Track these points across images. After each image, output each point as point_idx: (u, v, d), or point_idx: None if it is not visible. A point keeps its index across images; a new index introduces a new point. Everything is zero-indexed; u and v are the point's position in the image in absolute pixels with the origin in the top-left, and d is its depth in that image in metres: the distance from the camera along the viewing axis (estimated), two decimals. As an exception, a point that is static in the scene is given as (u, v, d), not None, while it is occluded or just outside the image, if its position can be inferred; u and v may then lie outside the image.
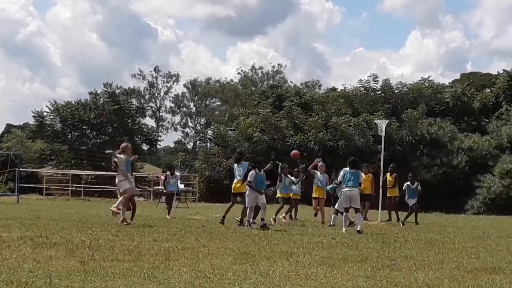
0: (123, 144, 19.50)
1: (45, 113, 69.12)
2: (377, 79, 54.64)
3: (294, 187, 24.10)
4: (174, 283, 8.13)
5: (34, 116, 69.53)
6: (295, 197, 24.18)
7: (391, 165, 26.19)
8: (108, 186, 53.88)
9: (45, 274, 8.45)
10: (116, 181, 18.98)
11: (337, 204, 21.41)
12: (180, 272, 9.13)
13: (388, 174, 25.57)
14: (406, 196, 23.88)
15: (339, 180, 20.26)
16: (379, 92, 54.74)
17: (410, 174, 24.50)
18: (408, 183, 23.80)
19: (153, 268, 9.38)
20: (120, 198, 18.87)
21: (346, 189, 18.71)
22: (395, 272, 9.91)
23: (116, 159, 18.51)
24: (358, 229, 18.01)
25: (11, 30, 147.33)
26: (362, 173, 21.11)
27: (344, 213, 19.15)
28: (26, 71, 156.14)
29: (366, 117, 49.16)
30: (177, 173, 26.80)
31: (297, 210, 24.59)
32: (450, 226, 22.58)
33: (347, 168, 18.88)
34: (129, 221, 18.47)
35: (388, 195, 25.35)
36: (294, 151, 25.32)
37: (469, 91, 55.71)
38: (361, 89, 55.06)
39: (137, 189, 34.39)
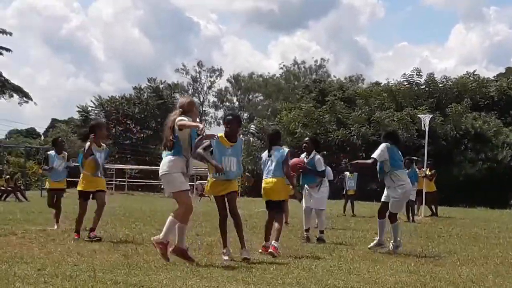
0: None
1: (89, 108, 69.99)
2: (421, 73, 54.44)
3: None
4: (216, 277, 8.14)
5: (79, 111, 70.48)
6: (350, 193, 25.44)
7: (428, 160, 26.15)
8: (151, 180, 54.24)
9: (89, 268, 8.53)
10: None
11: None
12: (222, 267, 9.17)
13: (428, 169, 25.86)
14: None
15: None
16: (423, 86, 54.41)
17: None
18: None
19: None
20: None
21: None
22: (439, 267, 9.83)
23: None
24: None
25: (54, 26, 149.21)
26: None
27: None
28: (70, 66, 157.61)
29: (409, 111, 48.87)
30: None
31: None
32: (495, 221, 22.35)
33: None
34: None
35: (426, 190, 25.41)
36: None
37: (515, 85, 54.89)
38: (405, 83, 54.82)
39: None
